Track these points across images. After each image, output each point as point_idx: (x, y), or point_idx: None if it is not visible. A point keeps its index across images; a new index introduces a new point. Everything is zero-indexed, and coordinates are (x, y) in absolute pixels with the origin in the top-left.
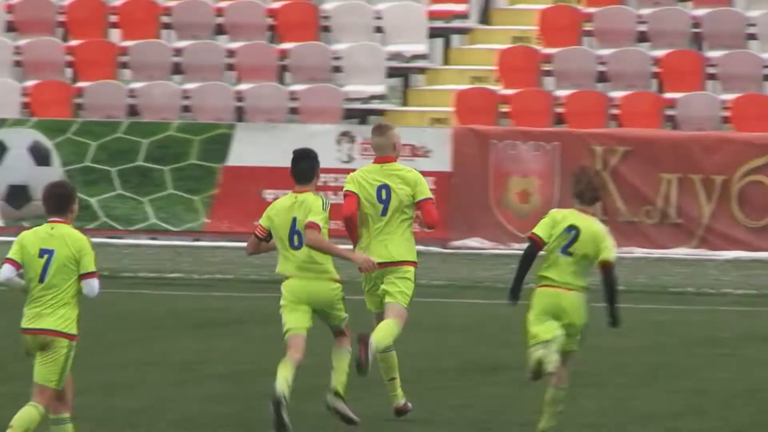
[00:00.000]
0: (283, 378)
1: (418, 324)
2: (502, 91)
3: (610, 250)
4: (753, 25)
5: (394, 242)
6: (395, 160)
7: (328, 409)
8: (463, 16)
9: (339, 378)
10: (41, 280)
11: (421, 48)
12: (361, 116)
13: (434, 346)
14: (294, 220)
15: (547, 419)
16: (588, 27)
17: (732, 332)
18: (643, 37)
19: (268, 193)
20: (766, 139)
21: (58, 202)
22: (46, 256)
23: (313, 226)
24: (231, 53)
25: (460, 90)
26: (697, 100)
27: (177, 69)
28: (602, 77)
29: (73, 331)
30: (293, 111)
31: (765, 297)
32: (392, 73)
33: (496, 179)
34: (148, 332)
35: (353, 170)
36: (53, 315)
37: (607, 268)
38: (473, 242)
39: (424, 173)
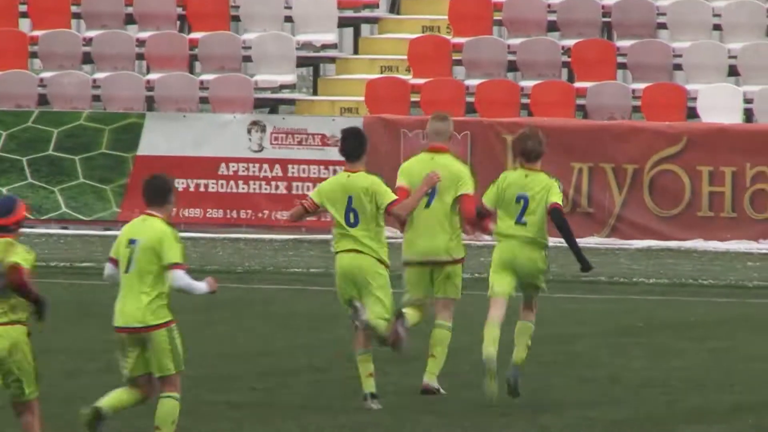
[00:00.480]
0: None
1: (329, 314)
2: (412, 81)
3: (558, 195)
4: (663, 14)
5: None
6: (447, 150)
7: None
8: (373, 5)
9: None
10: (126, 271)
11: (331, 37)
12: (271, 106)
13: (346, 337)
14: (350, 198)
15: (518, 350)
16: (498, 16)
17: (645, 321)
18: (553, 27)
19: (179, 183)
20: (676, 128)
21: (153, 194)
22: (132, 247)
23: (393, 204)
24: (141, 42)
25: (371, 79)
26: (607, 90)
27: (87, 58)
28: (513, 66)
29: (168, 317)
30: (204, 100)
31: (677, 286)
32: (302, 62)
33: None
34: (56, 321)
35: (265, 160)
36: (143, 307)
37: (554, 211)
38: (387, 232)
39: (335, 163)
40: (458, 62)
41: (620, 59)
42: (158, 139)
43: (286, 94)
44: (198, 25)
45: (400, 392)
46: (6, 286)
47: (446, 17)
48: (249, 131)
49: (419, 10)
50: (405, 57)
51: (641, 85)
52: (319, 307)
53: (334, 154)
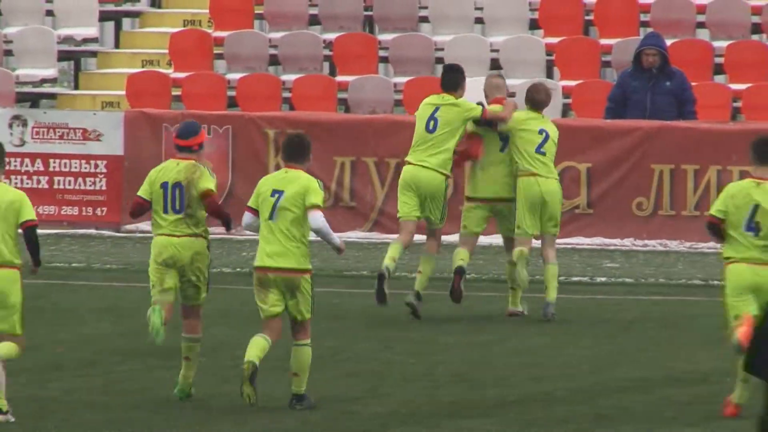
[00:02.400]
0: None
1: (92, 308)
2: (173, 75)
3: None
4: (425, 7)
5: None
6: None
7: (406, 305)
8: None
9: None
10: (271, 218)
11: (92, 31)
12: (32, 100)
13: (109, 331)
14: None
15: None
16: (260, 10)
17: (410, 315)
18: (314, 20)
19: None
20: None
21: (294, 151)
22: (276, 196)
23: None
24: None
25: (132, 73)
26: (369, 83)
27: None
28: (275, 60)
29: (310, 266)
30: None
31: (435, 280)
32: (63, 56)
33: None
34: None
35: (26, 154)
36: (292, 252)
37: None
38: (146, 226)
39: (96, 157)
40: (220, 56)
41: (382, 53)
42: None
43: (47, 89)
44: None
45: None
46: (202, 208)
47: (207, 11)
48: (10, 126)
49: (180, 4)
50: (166, 51)
51: (403, 79)
52: (82, 302)
53: (95, 148)
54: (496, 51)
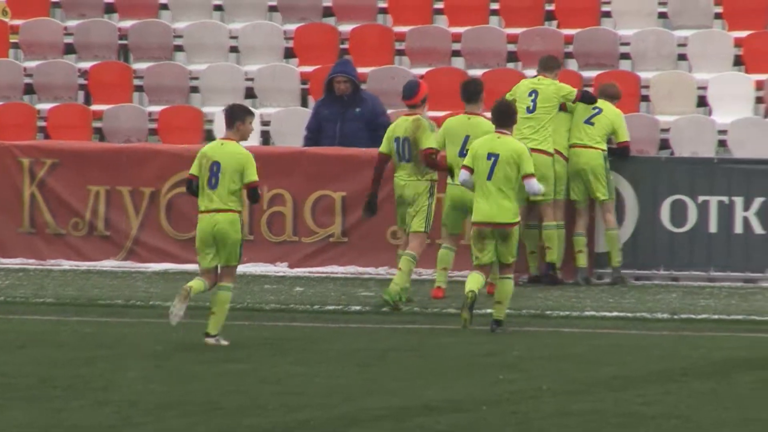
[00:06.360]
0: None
1: None
2: None
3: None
4: (180, 36)
5: None
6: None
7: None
8: None
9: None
10: (489, 178)
11: None
12: None
13: None
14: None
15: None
16: (14, 39)
17: (164, 345)
18: (70, 49)
19: None
20: (193, 151)
21: (503, 116)
22: (492, 159)
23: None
24: None
25: None
26: (124, 112)
27: None
28: (29, 89)
29: (518, 219)
30: None
31: (195, 309)
32: None
33: None
34: None
35: None
36: (507, 208)
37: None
38: None
39: None
40: None
41: (137, 82)
42: None
43: None
44: None
45: None
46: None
47: None
48: None
49: None
50: None
51: (158, 108)
52: None
53: None
54: (251, 80)
